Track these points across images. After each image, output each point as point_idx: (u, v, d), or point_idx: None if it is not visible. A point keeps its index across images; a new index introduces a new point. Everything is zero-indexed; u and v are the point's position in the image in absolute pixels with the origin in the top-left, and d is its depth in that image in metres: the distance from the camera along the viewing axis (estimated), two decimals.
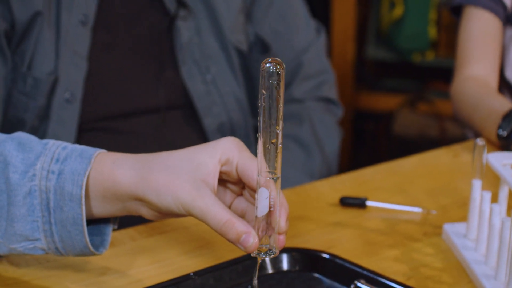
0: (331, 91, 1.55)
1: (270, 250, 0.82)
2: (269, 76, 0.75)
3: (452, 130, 2.95)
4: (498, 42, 1.51)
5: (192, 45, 1.40)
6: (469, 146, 1.35)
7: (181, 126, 1.42)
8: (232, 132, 1.44)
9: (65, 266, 0.95)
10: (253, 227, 0.81)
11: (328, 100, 1.54)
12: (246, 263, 0.92)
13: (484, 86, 1.46)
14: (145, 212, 0.85)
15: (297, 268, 0.95)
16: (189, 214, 0.82)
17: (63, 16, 1.30)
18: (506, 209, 0.97)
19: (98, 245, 0.89)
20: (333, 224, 1.08)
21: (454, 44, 1.58)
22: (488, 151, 0.99)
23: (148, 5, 1.39)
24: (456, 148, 1.35)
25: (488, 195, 0.97)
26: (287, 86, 1.51)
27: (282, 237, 0.82)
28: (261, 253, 0.82)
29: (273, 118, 0.77)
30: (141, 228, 1.04)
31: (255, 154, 0.80)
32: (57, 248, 0.86)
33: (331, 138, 1.52)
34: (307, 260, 0.95)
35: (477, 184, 1.00)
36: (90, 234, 0.88)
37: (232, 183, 0.87)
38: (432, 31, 2.91)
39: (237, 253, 0.93)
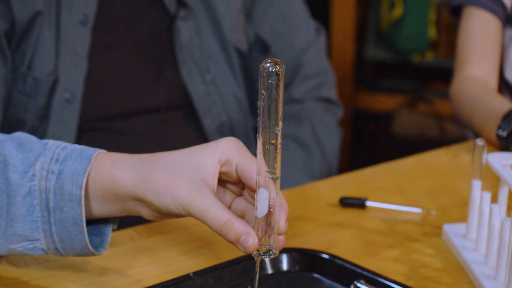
0: (331, 91, 1.56)
1: (269, 250, 0.82)
2: (269, 76, 0.75)
3: (452, 131, 2.95)
4: (498, 42, 1.51)
5: (192, 45, 1.40)
6: (469, 147, 1.35)
7: (181, 126, 1.42)
8: (232, 132, 1.44)
9: (64, 266, 0.95)
10: (253, 227, 0.81)
11: (328, 100, 1.54)
12: (245, 264, 0.93)
13: (484, 86, 1.46)
14: (144, 212, 0.85)
15: (297, 268, 0.95)
16: (188, 214, 0.82)
17: (63, 16, 1.30)
18: (506, 209, 0.97)
19: (97, 245, 0.89)
20: (332, 224, 1.08)
21: (454, 45, 1.58)
22: (488, 152, 0.99)
23: (148, 5, 1.39)
24: (456, 148, 1.35)
25: (487, 196, 0.97)
26: (287, 87, 1.51)
27: (281, 238, 0.82)
28: (260, 253, 0.82)
29: (272, 118, 0.77)
30: (140, 228, 1.04)
31: (255, 154, 0.80)
32: (56, 248, 0.86)
33: (331, 138, 1.52)
34: (307, 260, 0.95)
35: (476, 184, 1.00)
36: (89, 234, 0.88)
37: (231, 184, 0.87)
38: (432, 32, 2.91)
39: (236, 254, 0.93)
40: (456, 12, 1.58)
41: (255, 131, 1.43)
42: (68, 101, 1.32)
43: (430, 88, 3.01)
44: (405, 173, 1.25)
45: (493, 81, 1.49)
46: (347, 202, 1.12)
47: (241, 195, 0.88)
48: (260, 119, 0.77)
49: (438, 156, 1.32)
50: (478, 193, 0.99)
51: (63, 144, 0.86)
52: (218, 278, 0.91)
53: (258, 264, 0.83)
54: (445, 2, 2.86)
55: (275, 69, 0.75)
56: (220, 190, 0.87)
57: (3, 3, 1.27)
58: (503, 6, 1.51)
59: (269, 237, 0.81)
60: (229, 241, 0.81)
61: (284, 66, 0.76)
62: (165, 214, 0.85)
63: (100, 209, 0.86)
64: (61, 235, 0.85)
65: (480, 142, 0.97)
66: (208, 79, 1.42)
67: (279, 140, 0.77)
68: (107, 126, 1.37)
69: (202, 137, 1.42)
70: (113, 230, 0.91)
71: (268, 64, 0.75)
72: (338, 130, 1.54)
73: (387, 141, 3.07)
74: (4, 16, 1.27)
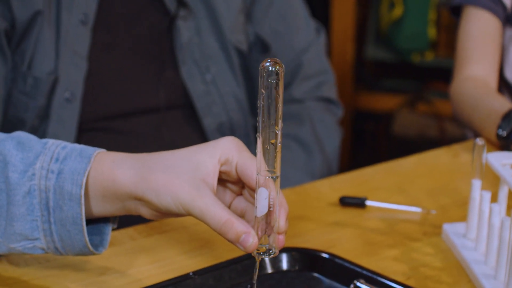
0: (331, 91, 1.56)
1: (269, 250, 0.82)
2: (268, 75, 0.75)
3: (452, 130, 2.95)
4: (498, 42, 1.51)
5: (192, 45, 1.40)
6: (468, 146, 1.35)
7: (181, 126, 1.42)
8: (232, 132, 1.44)
9: (64, 265, 0.95)
10: (253, 227, 0.81)
11: (328, 100, 1.54)
12: (245, 263, 0.93)
13: (484, 86, 1.46)
14: (144, 211, 0.85)
15: (297, 267, 0.95)
16: (188, 214, 0.82)
17: (63, 16, 1.30)
18: (505, 209, 0.97)
19: (97, 244, 0.89)
20: (332, 223, 1.08)
21: (454, 44, 1.58)
22: (488, 151, 0.99)
23: (148, 5, 1.39)
24: (456, 148, 1.35)
25: (487, 195, 0.97)
26: (287, 86, 1.51)
27: (281, 237, 0.82)
28: (260, 253, 0.82)
29: (272, 117, 0.77)
30: (140, 227, 1.04)
31: (255, 154, 0.80)
32: (56, 248, 0.86)
33: (332, 138, 1.52)
34: (307, 259, 0.95)
35: (476, 184, 1.00)
36: (89, 233, 0.88)
37: (231, 183, 0.87)
38: (432, 31, 2.91)
39: (236, 253, 0.93)
40: (456, 12, 1.58)
41: (255, 130, 1.43)
42: (68, 101, 1.32)
43: (430, 88, 3.01)
44: (405, 172, 1.25)
45: (493, 81, 1.49)
46: (347, 202, 1.12)
47: (241, 194, 0.88)
48: (260, 118, 0.77)
49: (438, 155, 1.32)
50: (478, 193, 0.99)
51: (63, 143, 0.86)
52: (218, 278, 0.91)
53: (258, 263, 0.83)
54: (445, 2, 2.86)
55: (275, 68, 0.75)
56: (220, 190, 0.87)
57: (3, 3, 1.27)
58: (503, 6, 1.51)
59: (269, 236, 0.81)
60: (229, 240, 0.81)
61: (283, 66, 0.76)
62: (165, 214, 0.85)
63: (100, 209, 0.86)
64: (61, 234, 0.85)
65: (480, 141, 0.97)
66: (208, 79, 1.42)
67: (279, 139, 0.77)
68: (107, 126, 1.37)
69: (202, 137, 1.42)
70: (113, 229, 0.91)
71: (268, 64, 0.75)
72: (338, 130, 1.54)
73: (387, 141, 3.07)
74: (4, 15, 1.27)
